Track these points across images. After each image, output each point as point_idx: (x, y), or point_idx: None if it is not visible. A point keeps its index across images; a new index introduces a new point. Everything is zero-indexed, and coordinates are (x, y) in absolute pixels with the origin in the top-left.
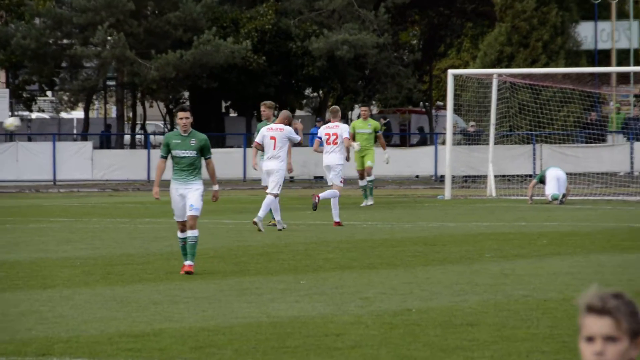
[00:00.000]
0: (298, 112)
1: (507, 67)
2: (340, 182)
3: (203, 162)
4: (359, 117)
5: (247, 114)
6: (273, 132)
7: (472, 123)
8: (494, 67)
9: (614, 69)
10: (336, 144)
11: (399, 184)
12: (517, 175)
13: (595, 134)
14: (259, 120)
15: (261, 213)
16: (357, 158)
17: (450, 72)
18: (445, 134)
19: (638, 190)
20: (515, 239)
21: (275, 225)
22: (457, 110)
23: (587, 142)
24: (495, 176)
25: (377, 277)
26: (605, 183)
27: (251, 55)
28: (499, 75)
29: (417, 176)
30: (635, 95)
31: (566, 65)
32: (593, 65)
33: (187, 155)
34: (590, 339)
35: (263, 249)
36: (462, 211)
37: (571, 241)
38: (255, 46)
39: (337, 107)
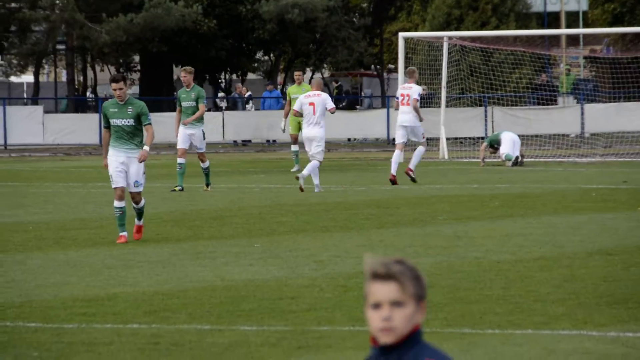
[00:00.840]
0: (250, 76)
1: (456, 29)
2: (423, 137)
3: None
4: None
5: (199, 78)
6: (312, 98)
7: (423, 86)
8: (443, 29)
9: (563, 31)
10: (409, 104)
11: (351, 146)
12: (469, 138)
13: (546, 95)
14: (211, 83)
15: (306, 172)
16: (293, 121)
17: (401, 35)
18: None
19: (589, 152)
20: (468, 201)
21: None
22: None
23: (538, 104)
24: (447, 139)
25: (331, 240)
26: (556, 145)
27: (202, 18)
28: (450, 38)
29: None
30: (585, 57)
31: (516, 28)
32: (543, 27)
33: (125, 124)
34: (376, 306)
35: (217, 212)
36: (415, 174)
37: (523, 203)
38: (205, 9)
39: (413, 67)
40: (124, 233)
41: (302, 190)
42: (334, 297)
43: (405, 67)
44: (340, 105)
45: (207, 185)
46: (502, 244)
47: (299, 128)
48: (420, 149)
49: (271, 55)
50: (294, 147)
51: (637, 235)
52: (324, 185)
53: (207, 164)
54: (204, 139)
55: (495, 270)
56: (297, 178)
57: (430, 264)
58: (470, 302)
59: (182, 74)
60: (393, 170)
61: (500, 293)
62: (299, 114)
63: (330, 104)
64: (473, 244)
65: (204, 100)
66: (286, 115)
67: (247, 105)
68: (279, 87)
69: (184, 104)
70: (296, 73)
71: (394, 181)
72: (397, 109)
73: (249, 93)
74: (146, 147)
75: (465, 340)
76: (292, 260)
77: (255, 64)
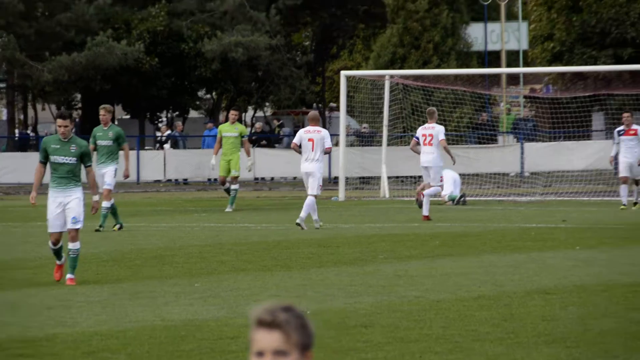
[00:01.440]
0: (192, 114)
1: (399, 68)
2: (441, 180)
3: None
4: (226, 120)
5: (140, 116)
6: (311, 134)
7: (365, 124)
8: (386, 68)
9: (503, 70)
10: (432, 144)
11: (293, 185)
12: (411, 177)
13: (486, 134)
14: (152, 122)
15: (303, 214)
16: (222, 162)
17: (343, 73)
18: (338, 135)
19: (528, 191)
20: (408, 240)
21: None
22: (350, 111)
23: (478, 143)
24: (389, 177)
25: (272, 279)
26: (496, 183)
27: (144, 56)
28: (391, 76)
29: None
30: (525, 96)
31: (457, 67)
32: (483, 66)
33: (66, 162)
34: (260, 354)
35: (157, 252)
36: (356, 212)
37: (463, 242)
38: (147, 48)
39: (433, 108)
40: (61, 262)
41: (302, 228)
42: None
43: (348, 105)
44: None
45: (101, 227)
46: (442, 283)
47: (228, 170)
48: (431, 190)
49: (213, 93)
50: (225, 186)
51: (576, 274)
52: (265, 225)
53: (109, 203)
54: (115, 176)
55: (435, 310)
56: (298, 224)
57: (370, 303)
58: (410, 341)
59: (101, 112)
60: (425, 211)
61: (439, 332)
62: (298, 149)
63: (328, 143)
64: (413, 283)
65: (125, 140)
66: (216, 152)
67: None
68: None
69: (99, 142)
70: (233, 112)
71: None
72: (412, 148)
73: (168, 132)
74: (96, 198)
75: None
76: (232, 299)
77: (197, 102)
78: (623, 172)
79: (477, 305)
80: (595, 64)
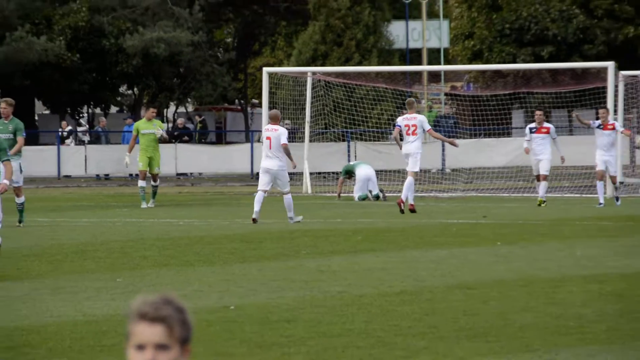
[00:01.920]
0: (113, 110)
1: (321, 65)
2: (416, 169)
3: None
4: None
5: (61, 112)
6: (269, 132)
7: (287, 121)
8: (308, 65)
9: (425, 67)
10: (416, 134)
11: (215, 181)
12: (333, 173)
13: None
14: (73, 117)
15: (290, 213)
16: (143, 157)
17: (265, 70)
18: (261, 131)
19: (450, 187)
20: (331, 236)
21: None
22: (272, 108)
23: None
24: (311, 173)
25: (195, 274)
26: (418, 180)
27: (65, 52)
28: (313, 73)
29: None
30: (446, 94)
31: (379, 64)
32: (405, 63)
33: (6, 138)
34: (141, 347)
35: (78, 247)
36: (279, 208)
37: (385, 237)
38: (69, 43)
39: (412, 99)
40: None
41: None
42: (197, 331)
43: (270, 102)
44: (204, 139)
45: (20, 222)
46: (365, 278)
47: (149, 164)
48: (411, 181)
49: (135, 89)
50: (141, 183)
51: (497, 269)
52: (187, 220)
53: (22, 199)
54: (22, 172)
55: (358, 305)
56: (291, 219)
57: (293, 298)
58: (333, 336)
59: (3, 105)
60: (411, 199)
61: (362, 327)
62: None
63: (284, 140)
64: (336, 278)
65: (23, 133)
66: (130, 150)
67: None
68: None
69: (0, 135)
70: (152, 110)
71: (413, 210)
72: (395, 137)
73: (69, 127)
74: (6, 182)
75: None
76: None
77: (119, 98)
78: (601, 166)
79: (399, 300)
80: (514, 61)
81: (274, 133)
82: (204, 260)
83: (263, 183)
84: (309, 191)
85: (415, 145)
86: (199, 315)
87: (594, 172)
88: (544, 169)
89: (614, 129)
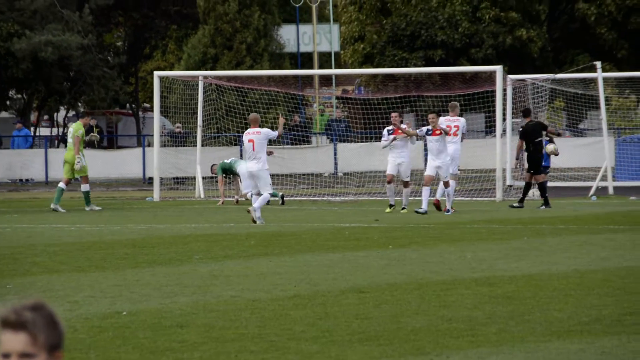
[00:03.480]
0: (2, 114)
1: (212, 68)
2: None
3: None
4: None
5: None
6: (250, 135)
7: (178, 124)
8: (198, 69)
9: (316, 71)
10: (457, 135)
11: (107, 186)
12: (224, 176)
13: (300, 135)
14: None
15: (257, 205)
16: (67, 166)
17: (156, 74)
18: (152, 135)
19: (342, 191)
20: (224, 240)
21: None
22: (164, 112)
23: (292, 144)
24: (204, 178)
25: (86, 280)
26: (310, 184)
27: None
28: (205, 77)
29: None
30: (337, 97)
31: (270, 68)
32: (296, 67)
33: None
34: (6, 356)
35: None
36: (171, 213)
37: (278, 241)
38: None
39: (455, 102)
40: None
41: (254, 222)
42: (88, 337)
43: (161, 106)
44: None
45: None
46: (258, 282)
47: (72, 172)
48: (453, 184)
49: (24, 93)
50: (62, 185)
51: (389, 272)
52: (79, 225)
53: None
54: None
55: (251, 309)
56: (249, 212)
57: (186, 302)
58: (226, 340)
59: None
60: (449, 204)
61: (255, 331)
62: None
63: (273, 134)
64: (229, 282)
65: None
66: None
67: None
68: (32, 126)
69: None
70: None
71: (438, 206)
72: (448, 134)
73: None
74: None
75: None
76: (45, 300)
77: (8, 102)
78: (429, 171)
79: (293, 304)
80: (406, 65)
81: (257, 136)
82: (95, 265)
83: (252, 185)
84: (202, 195)
85: (455, 147)
86: (90, 321)
87: (478, 175)
88: (445, 176)
89: (441, 134)
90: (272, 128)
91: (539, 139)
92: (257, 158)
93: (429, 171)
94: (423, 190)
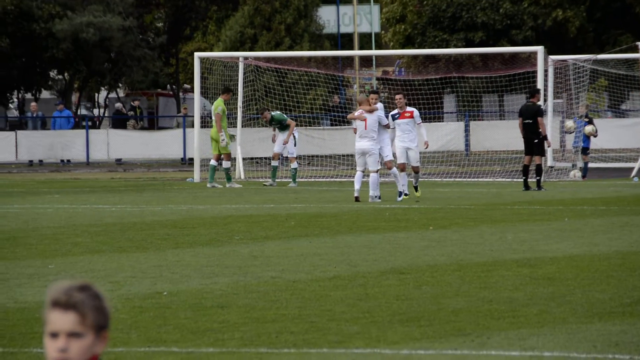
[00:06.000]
0: (44, 95)
1: (250, 49)
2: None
3: None
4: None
5: None
6: (365, 113)
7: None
8: (237, 49)
9: (356, 52)
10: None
11: (147, 166)
12: (265, 158)
13: (340, 116)
14: (1, 103)
15: (372, 192)
16: (228, 137)
17: (197, 55)
18: (193, 117)
19: (383, 172)
20: (264, 221)
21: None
22: (204, 93)
23: (332, 125)
24: (244, 159)
25: (127, 260)
26: (350, 165)
27: None
28: (245, 58)
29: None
30: (378, 78)
31: (310, 49)
32: (336, 48)
33: None
34: (54, 335)
35: (9, 233)
36: (212, 194)
37: (318, 222)
38: None
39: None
40: None
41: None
42: (130, 317)
43: (202, 87)
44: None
45: None
46: (298, 263)
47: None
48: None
49: (65, 74)
50: (227, 164)
51: (429, 254)
52: (120, 206)
53: None
54: None
55: (291, 290)
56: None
57: (226, 283)
58: (266, 321)
59: None
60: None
61: (295, 312)
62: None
63: (384, 119)
64: (269, 263)
65: None
66: (221, 129)
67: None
68: (73, 106)
69: None
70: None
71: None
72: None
73: None
74: None
75: None
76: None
77: (49, 83)
78: (400, 158)
79: (333, 285)
80: (447, 47)
81: (370, 115)
82: (136, 246)
83: (360, 164)
84: (242, 176)
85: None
86: (131, 301)
87: (521, 156)
88: (414, 160)
89: (412, 117)
90: (310, 110)
91: (530, 120)
92: (368, 137)
93: (401, 157)
94: (401, 176)
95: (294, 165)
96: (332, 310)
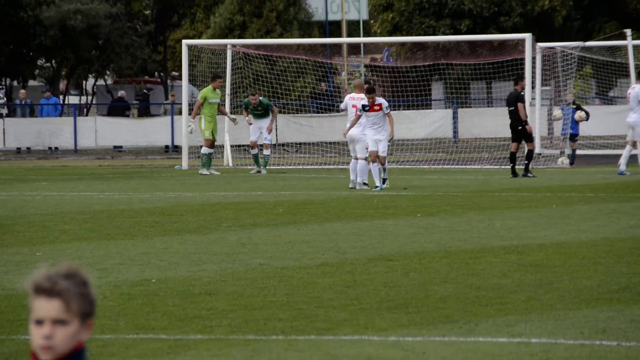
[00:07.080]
0: (31, 83)
1: (239, 36)
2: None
3: None
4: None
5: None
6: (355, 100)
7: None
8: (226, 36)
9: (345, 39)
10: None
11: (135, 154)
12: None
13: (327, 104)
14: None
15: (359, 178)
16: (210, 125)
17: (185, 42)
18: (181, 104)
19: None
20: (252, 208)
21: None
22: (192, 80)
23: (319, 112)
24: (232, 146)
25: (115, 247)
26: (338, 152)
27: None
28: (233, 45)
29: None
30: (366, 65)
31: (299, 36)
32: (325, 36)
33: None
34: (39, 322)
35: None
36: (200, 181)
37: (306, 210)
38: None
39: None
40: None
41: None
42: (118, 305)
43: (190, 74)
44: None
45: None
46: (286, 250)
47: (213, 134)
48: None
49: (53, 61)
50: (207, 150)
51: (417, 241)
52: (108, 193)
53: None
54: None
55: (279, 277)
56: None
57: (214, 270)
58: (254, 308)
59: None
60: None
61: (283, 299)
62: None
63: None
64: (257, 250)
65: None
66: (194, 117)
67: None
68: (61, 94)
69: None
70: (219, 80)
71: None
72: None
73: None
74: None
75: (249, 347)
76: (79, 267)
77: (37, 71)
78: (372, 147)
79: (321, 272)
80: (434, 34)
81: (360, 102)
82: (124, 233)
83: (351, 149)
84: (230, 164)
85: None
86: (119, 289)
87: (509, 144)
88: (382, 151)
89: (380, 109)
90: (299, 97)
91: (512, 107)
92: (359, 123)
93: (372, 146)
94: (372, 167)
95: (267, 152)
96: (320, 297)
